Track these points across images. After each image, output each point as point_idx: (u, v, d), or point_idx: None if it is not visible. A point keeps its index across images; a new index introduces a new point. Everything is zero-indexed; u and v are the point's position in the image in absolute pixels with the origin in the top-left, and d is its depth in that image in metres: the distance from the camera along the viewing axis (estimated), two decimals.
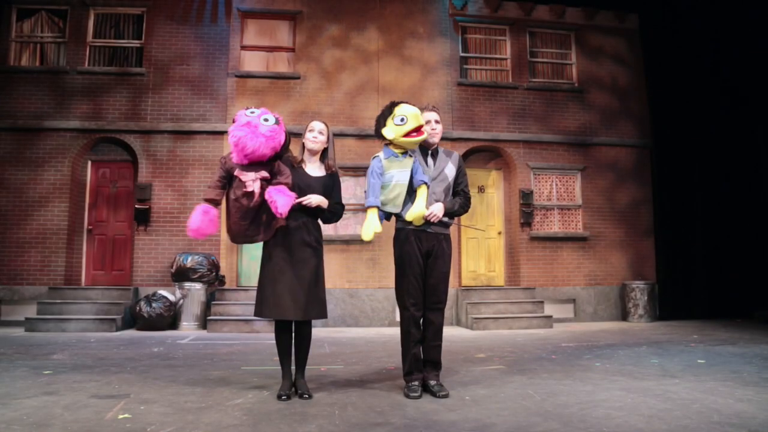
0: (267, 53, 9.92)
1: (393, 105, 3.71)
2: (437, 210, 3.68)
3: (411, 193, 3.73)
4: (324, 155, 3.79)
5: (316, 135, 3.70)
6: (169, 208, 9.12)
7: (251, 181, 3.50)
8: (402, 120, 3.61)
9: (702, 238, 10.26)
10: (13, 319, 8.43)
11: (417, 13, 10.14)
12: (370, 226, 3.57)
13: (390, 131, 3.64)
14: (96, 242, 9.30)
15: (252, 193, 3.50)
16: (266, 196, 3.48)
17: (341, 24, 9.92)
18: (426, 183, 3.69)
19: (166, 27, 9.55)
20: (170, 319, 8.19)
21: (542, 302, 9.22)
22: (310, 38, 9.84)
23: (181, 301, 8.35)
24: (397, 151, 3.71)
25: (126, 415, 3.07)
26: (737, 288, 9.99)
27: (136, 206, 9.01)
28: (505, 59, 10.45)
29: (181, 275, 8.41)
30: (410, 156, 3.74)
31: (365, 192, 3.74)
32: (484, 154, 10.20)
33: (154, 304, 8.04)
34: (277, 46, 9.92)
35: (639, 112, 10.59)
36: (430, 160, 3.85)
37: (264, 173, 3.53)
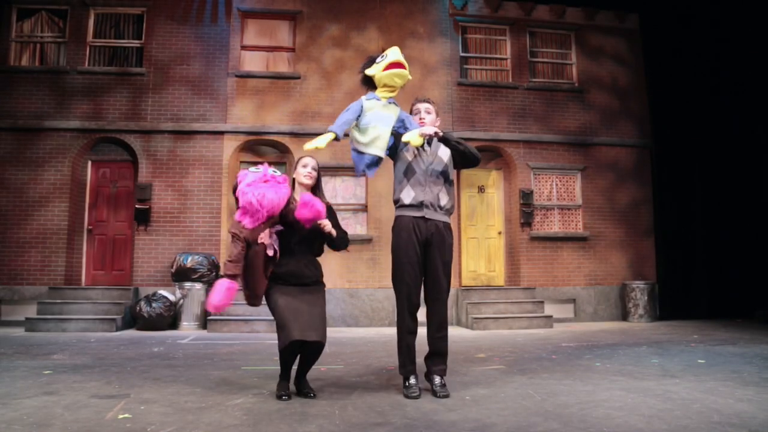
0: (267, 53, 9.92)
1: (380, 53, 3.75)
2: (431, 127, 3.61)
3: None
4: (314, 190, 3.73)
5: (310, 171, 3.66)
6: (169, 208, 9.12)
7: (269, 240, 3.47)
8: (382, 57, 3.68)
9: (702, 237, 10.27)
10: (13, 319, 8.43)
11: (417, 13, 10.14)
12: (318, 140, 3.40)
13: (372, 69, 3.69)
14: (96, 242, 9.29)
15: (274, 250, 3.47)
16: (306, 198, 3.36)
17: (341, 24, 9.92)
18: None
19: (166, 27, 9.55)
20: (170, 319, 8.19)
21: (542, 302, 9.22)
22: (310, 38, 9.84)
23: (181, 301, 8.35)
24: (379, 95, 3.69)
25: (126, 415, 3.07)
26: (737, 288, 9.99)
27: (136, 206, 9.01)
28: (505, 59, 10.45)
29: (181, 275, 8.42)
30: (396, 105, 3.73)
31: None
32: (484, 154, 10.15)
33: (154, 304, 8.04)
34: (277, 46, 9.92)
35: (639, 112, 10.59)
36: (426, 146, 3.76)
37: (278, 227, 3.49)
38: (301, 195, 3.45)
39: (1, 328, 8.07)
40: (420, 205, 3.64)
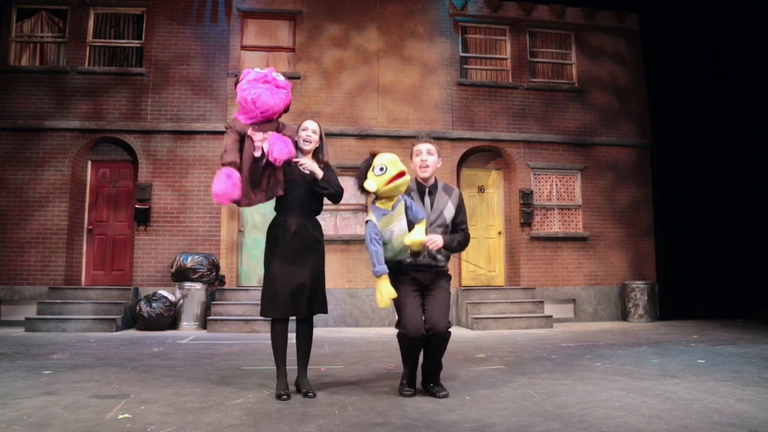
0: (267, 53, 9.92)
1: (371, 157, 3.54)
2: (437, 239, 3.53)
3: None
4: (316, 154, 3.81)
5: (309, 134, 3.73)
6: (169, 208, 9.12)
7: (260, 141, 3.49)
8: (381, 169, 3.43)
9: (702, 238, 10.27)
10: (13, 319, 8.43)
11: (417, 13, 10.14)
12: (385, 293, 3.40)
13: (371, 183, 3.45)
14: (96, 242, 9.30)
15: (261, 152, 3.48)
16: (268, 139, 3.45)
17: (341, 24, 9.92)
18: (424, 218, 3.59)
19: (166, 27, 9.55)
20: (170, 319, 8.19)
21: (542, 302, 9.22)
22: (310, 38, 9.84)
23: (181, 301, 8.35)
24: (385, 207, 3.52)
25: (126, 415, 3.07)
26: (737, 288, 9.99)
27: (136, 206, 9.01)
28: (505, 59, 10.45)
29: (181, 275, 8.42)
30: (400, 201, 3.55)
31: (370, 260, 3.53)
32: (484, 154, 10.20)
33: (154, 304, 8.04)
34: (277, 46, 9.93)
35: (639, 112, 10.59)
36: (427, 199, 3.70)
37: (271, 132, 3.55)
38: (271, 135, 3.50)
39: (1, 328, 8.07)
40: (418, 263, 3.63)
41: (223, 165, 3.47)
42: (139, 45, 9.63)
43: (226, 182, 3.39)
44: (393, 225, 3.52)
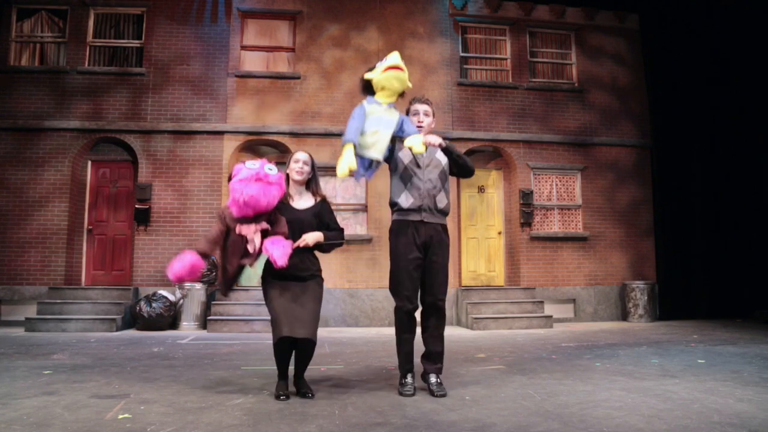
0: (267, 53, 9.92)
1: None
2: (435, 137, 3.61)
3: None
4: (309, 184, 3.75)
5: (301, 166, 3.66)
6: (169, 208, 9.11)
7: (252, 234, 3.44)
8: (383, 61, 3.65)
9: (702, 238, 10.27)
10: (13, 319, 8.43)
11: (417, 13, 10.14)
12: (345, 160, 3.39)
13: (372, 72, 3.64)
14: (96, 242, 9.30)
15: (254, 247, 3.46)
16: (266, 248, 3.42)
17: (341, 24, 9.92)
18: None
19: (166, 27, 9.55)
20: (170, 319, 8.19)
21: (542, 302, 9.22)
22: (310, 38, 9.84)
23: (181, 301, 8.35)
24: (381, 100, 3.64)
25: (126, 415, 3.07)
26: (737, 288, 9.99)
27: (136, 206, 9.01)
28: (505, 59, 10.45)
29: None
30: (396, 113, 3.66)
31: (345, 129, 3.58)
32: (484, 154, 10.20)
33: (154, 304, 8.04)
34: (277, 46, 9.93)
35: (639, 112, 10.59)
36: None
37: (264, 224, 3.47)
38: (265, 242, 3.43)
39: (1, 328, 8.07)
40: (418, 209, 3.64)
41: (196, 251, 3.51)
42: (139, 45, 9.63)
43: (190, 269, 3.45)
44: (376, 117, 3.57)
